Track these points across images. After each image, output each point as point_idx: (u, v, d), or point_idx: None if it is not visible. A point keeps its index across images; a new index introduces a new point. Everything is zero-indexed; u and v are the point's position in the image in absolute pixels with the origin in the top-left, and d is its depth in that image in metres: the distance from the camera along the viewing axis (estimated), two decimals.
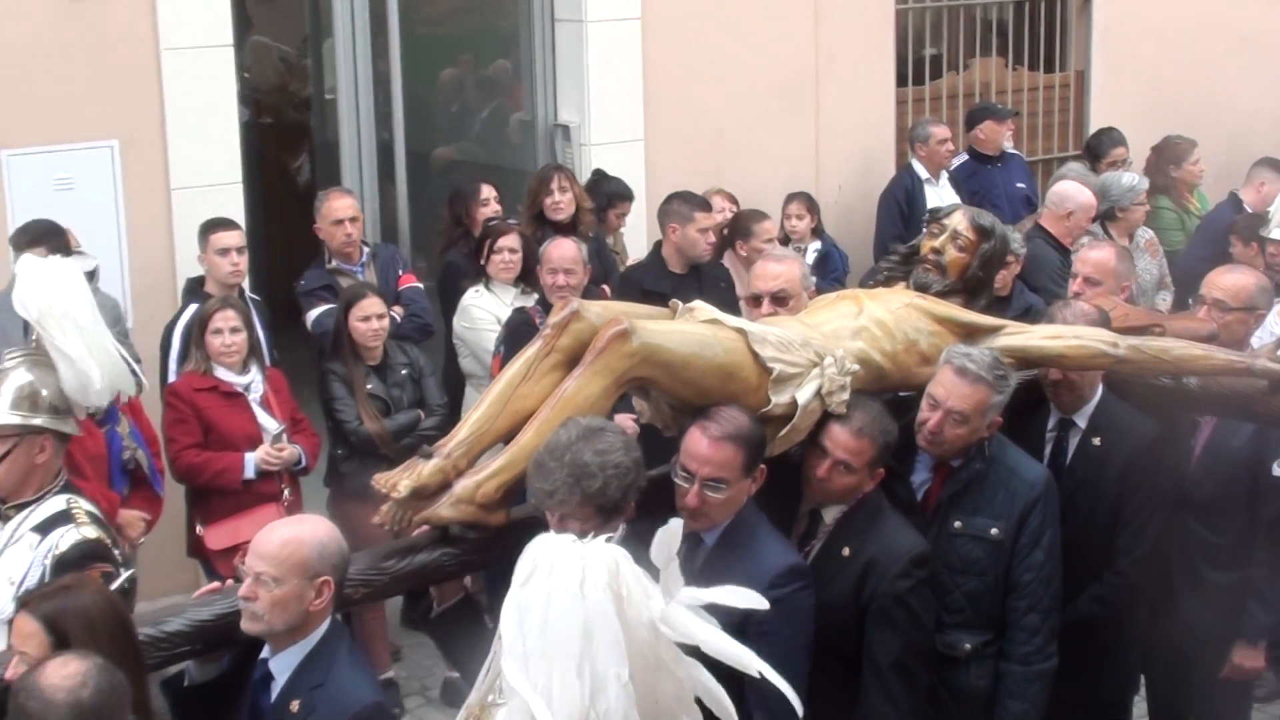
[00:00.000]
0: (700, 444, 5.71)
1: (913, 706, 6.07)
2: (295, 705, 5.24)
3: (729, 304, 8.95)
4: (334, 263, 10.52)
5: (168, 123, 10.65)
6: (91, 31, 10.45)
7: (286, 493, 8.94)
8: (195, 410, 8.99)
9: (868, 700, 6.01)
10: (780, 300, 7.07)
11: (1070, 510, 6.81)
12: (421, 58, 12.74)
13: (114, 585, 5.88)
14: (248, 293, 10.15)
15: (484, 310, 10.02)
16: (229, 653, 5.41)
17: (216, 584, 5.54)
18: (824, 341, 6.13)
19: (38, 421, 6.16)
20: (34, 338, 6.52)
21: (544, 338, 5.80)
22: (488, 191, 11.13)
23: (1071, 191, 11.22)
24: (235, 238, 10.00)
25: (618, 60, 12.37)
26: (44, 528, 6.01)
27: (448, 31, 13.65)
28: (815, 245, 12.23)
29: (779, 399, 5.86)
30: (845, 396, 6.01)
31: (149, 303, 10.49)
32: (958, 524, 6.34)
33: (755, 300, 7.30)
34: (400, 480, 5.56)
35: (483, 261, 10.28)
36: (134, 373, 6.88)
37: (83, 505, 6.18)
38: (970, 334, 6.57)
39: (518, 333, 8.77)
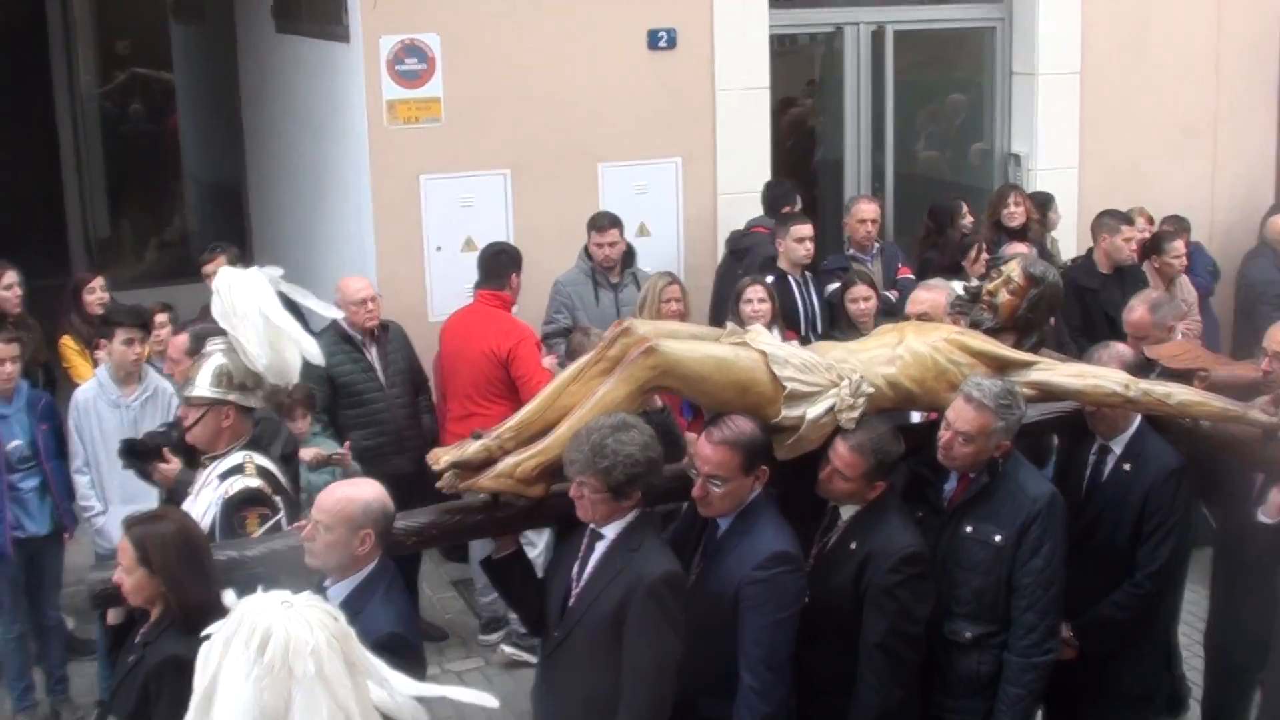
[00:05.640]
0: (704, 447, 5.56)
1: (897, 682, 5.71)
2: None
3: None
4: (851, 250, 10.91)
5: (718, 145, 11.32)
6: (664, 75, 11.10)
7: None
8: None
9: (860, 674, 5.70)
10: (924, 319, 6.91)
11: (1100, 523, 6.37)
12: (905, 96, 12.71)
13: (266, 525, 6.06)
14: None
15: None
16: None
17: (303, 522, 5.58)
18: (854, 366, 5.82)
19: (229, 397, 6.42)
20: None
21: (599, 348, 5.73)
22: (965, 208, 11.39)
23: None
24: (809, 230, 10.37)
25: (1060, 104, 12.29)
26: (224, 475, 6.23)
27: (927, 76, 13.51)
28: None
29: (790, 413, 5.62)
30: (854, 415, 5.69)
31: (699, 278, 11.04)
32: (969, 528, 5.93)
33: (905, 318, 7.15)
34: (444, 455, 5.57)
35: (964, 261, 10.54)
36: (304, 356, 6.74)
37: (255, 460, 6.32)
38: (1003, 367, 6.06)
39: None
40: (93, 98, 16.62)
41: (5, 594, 8.64)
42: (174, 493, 6.76)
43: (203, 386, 6.44)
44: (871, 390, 5.80)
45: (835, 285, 10.28)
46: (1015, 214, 11.28)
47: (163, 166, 16.89)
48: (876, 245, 11.08)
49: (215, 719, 3.94)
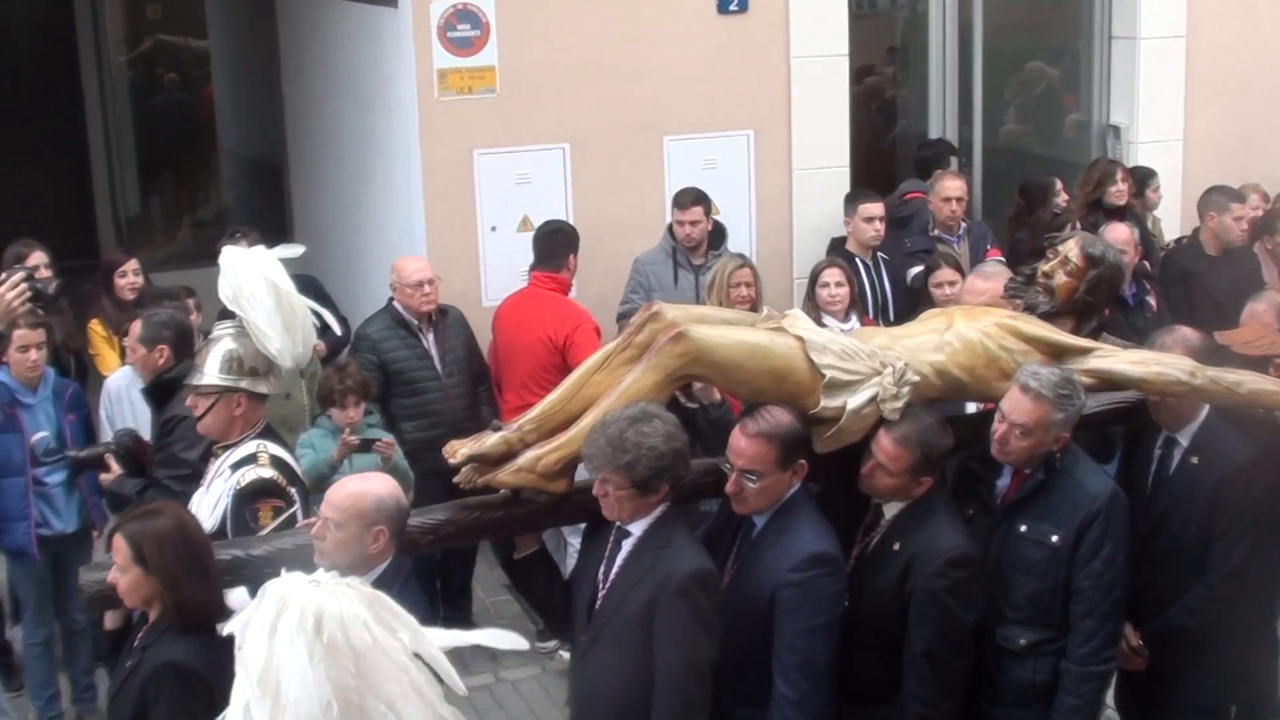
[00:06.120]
0: (738, 439, 5.54)
1: (944, 692, 5.65)
2: None
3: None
4: (936, 231, 10.76)
5: (793, 117, 11.16)
6: (735, 41, 10.98)
7: None
8: None
9: (904, 683, 5.65)
10: None
11: (1168, 522, 6.23)
12: (995, 64, 12.52)
13: (281, 518, 6.09)
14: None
15: None
16: None
17: (313, 519, 5.53)
18: (899, 353, 5.76)
19: (240, 383, 6.39)
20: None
21: (625, 334, 5.70)
22: (1059, 185, 11.28)
23: None
24: (880, 209, 10.37)
25: (1164, 71, 12.08)
26: (236, 465, 6.24)
27: (1019, 42, 13.28)
28: None
29: (829, 403, 5.56)
30: (898, 405, 5.62)
31: (772, 262, 10.94)
32: (1023, 528, 5.84)
33: None
34: (460, 448, 5.54)
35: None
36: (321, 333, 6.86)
37: (270, 450, 6.33)
38: (1060, 354, 5.97)
39: None
40: (122, 67, 16.78)
41: (30, 596, 8.67)
42: (114, 498, 6.93)
43: (211, 374, 6.43)
44: (917, 379, 5.72)
45: (919, 269, 10.17)
46: (1121, 192, 11.10)
47: (197, 140, 16.96)
48: (963, 225, 10.95)
49: (289, 708, 4.02)
